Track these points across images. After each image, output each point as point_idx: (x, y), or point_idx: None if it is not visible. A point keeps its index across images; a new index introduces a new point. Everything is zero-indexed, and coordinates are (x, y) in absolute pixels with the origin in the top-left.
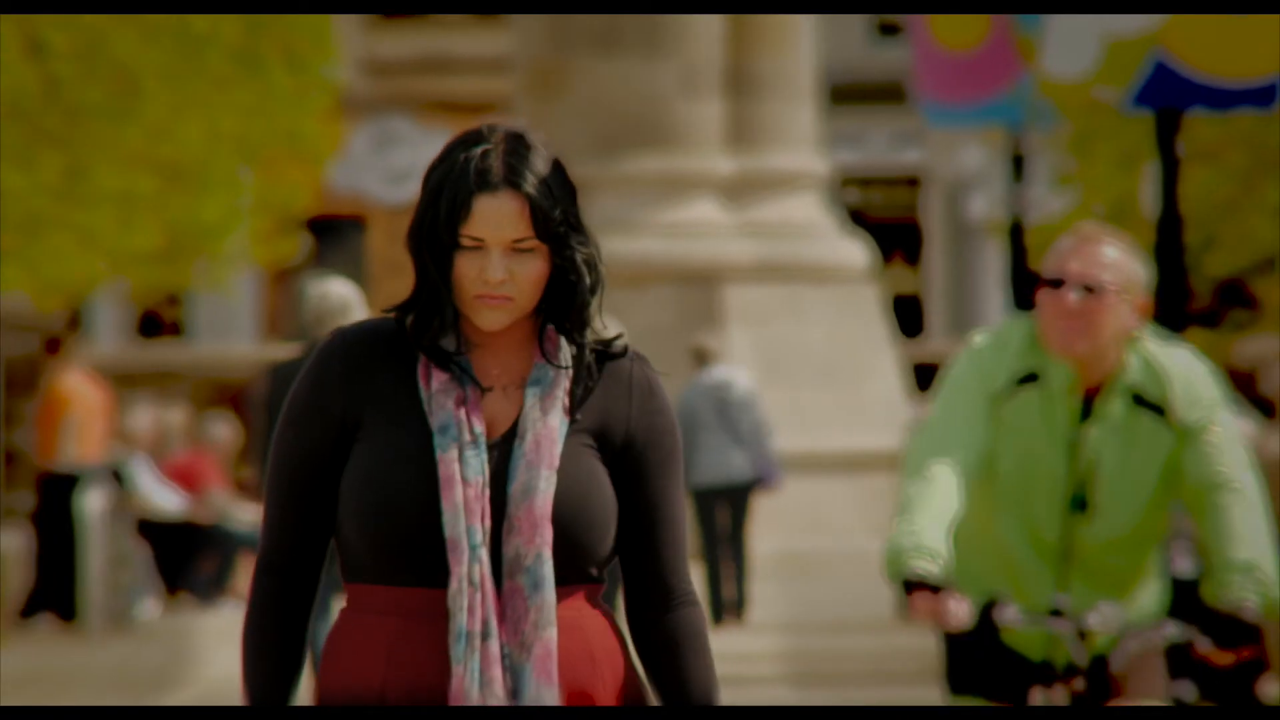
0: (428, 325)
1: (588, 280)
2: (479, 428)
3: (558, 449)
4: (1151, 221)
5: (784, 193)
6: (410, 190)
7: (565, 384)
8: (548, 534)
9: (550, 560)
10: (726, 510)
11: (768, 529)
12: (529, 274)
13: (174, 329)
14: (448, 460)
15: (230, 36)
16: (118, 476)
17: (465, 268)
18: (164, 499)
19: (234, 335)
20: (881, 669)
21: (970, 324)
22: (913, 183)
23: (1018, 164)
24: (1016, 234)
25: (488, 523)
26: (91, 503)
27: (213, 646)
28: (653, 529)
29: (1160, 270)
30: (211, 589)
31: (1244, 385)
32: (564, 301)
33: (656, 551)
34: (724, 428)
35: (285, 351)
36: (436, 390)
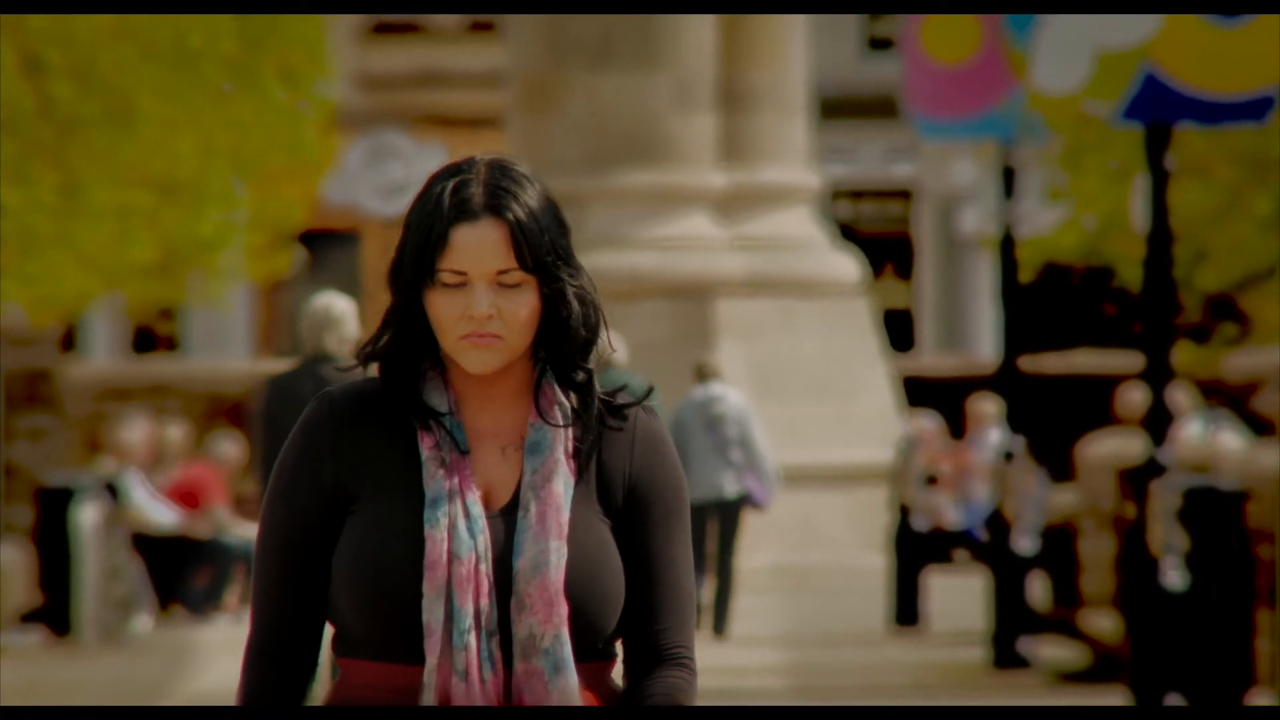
0: (409, 377)
1: (580, 315)
2: (472, 498)
3: (565, 517)
4: (1141, 235)
5: (776, 207)
6: (404, 204)
7: (566, 442)
8: (564, 611)
9: (569, 640)
10: (715, 526)
11: (761, 542)
12: (517, 310)
13: (168, 343)
14: (435, 538)
15: (225, 51)
16: (112, 490)
17: (448, 307)
18: (158, 513)
19: (228, 349)
20: (874, 682)
21: (961, 338)
22: (904, 196)
23: (1008, 178)
24: (1007, 248)
25: (483, 601)
26: (86, 517)
27: (206, 660)
28: (650, 590)
29: (1150, 284)
30: (205, 603)
31: (1235, 401)
32: (559, 344)
33: (652, 613)
34: (714, 444)
35: (280, 365)
36: (427, 457)
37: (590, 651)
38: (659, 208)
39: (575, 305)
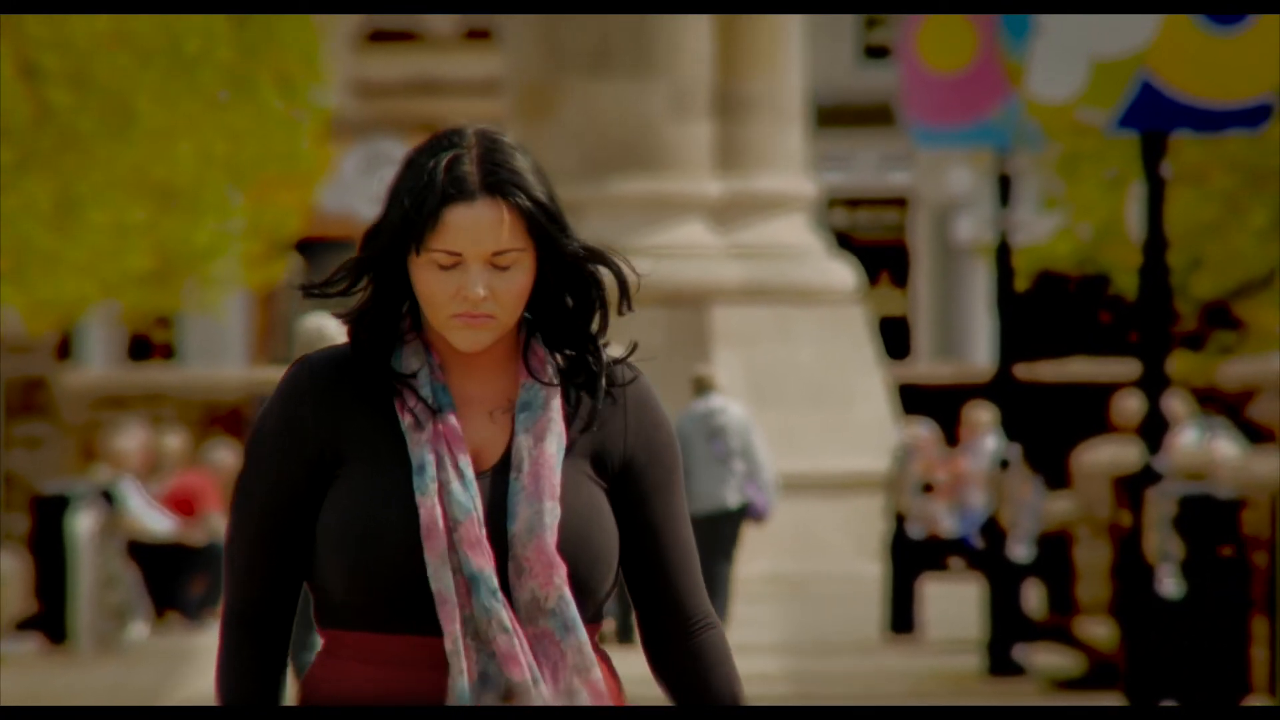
0: (388, 342)
1: (598, 279)
2: (464, 460)
3: (557, 477)
4: (1137, 243)
5: (772, 215)
6: None
7: (557, 403)
8: (564, 571)
9: (572, 599)
10: (715, 537)
11: (757, 551)
12: (511, 288)
13: (164, 351)
14: (428, 504)
15: (221, 59)
16: (108, 498)
17: (440, 285)
18: (154, 520)
19: (224, 357)
20: (870, 690)
21: (957, 346)
22: (900, 204)
23: (1004, 186)
24: (1003, 256)
25: (493, 563)
26: (81, 524)
27: (202, 667)
28: (662, 553)
29: (1146, 292)
30: (201, 610)
31: (1230, 408)
32: (561, 311)
33: (668, 576)
34: (716, 456)
35: (277, 374)
36: (409, 424)
37: (582, 614)
38: (655, 215)
39: (591, 271)
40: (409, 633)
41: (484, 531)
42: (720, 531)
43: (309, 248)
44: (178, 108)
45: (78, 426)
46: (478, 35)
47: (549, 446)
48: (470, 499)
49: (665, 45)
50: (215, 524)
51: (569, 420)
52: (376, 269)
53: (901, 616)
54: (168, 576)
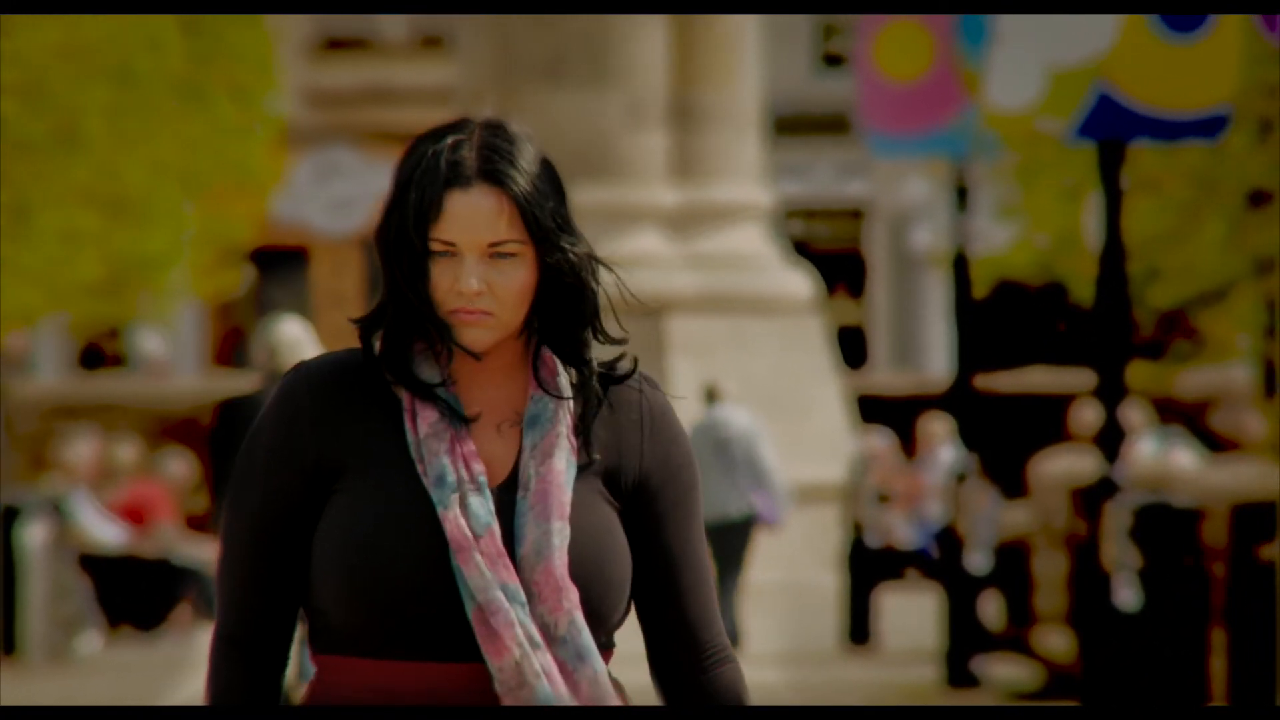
0: (402, 348)
1: (583, 286)
2: (480, 473)
3: (567, 496)
4: (1095, 253)
5: (728, 224)
6: (353, 221)
7: (568, 418)
8: (575, 595)
9: (585, 626)
10: (726, 546)
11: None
12: (510, 284)
13: (116, 361)
14: (450, 516)
15: (173, 69)
16: (58, 509)
17: (438, 278)
18: (105, 532)
19: (177, 367)
20: (827, 701)
21: (914, 356)
22: (857, 214)
23: (961, 195)
24: (960, 265)
25: (516, 578)
26: (32, 536)
27: (155, 680)
28: (676, 578)
29: (1103, 302)
30: (154, 622)
31: (1188, 418)
32: (559, 317)
33: (683, 603)
34: (721, 466)
35: (230, 382)
36: (427, 434)
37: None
38: (610, 225)
39: (578, 275)
40: (416, 658)
41: (504, 546)
42: (730, 540)
43: (262, 257)
44: (129, 119)
45: (28, 436)
46: (431, 43)
47: (557, 463)
48: (489, 513)
49: (620, 54)
50: (167, 534)
51: (580, 435)
52: (389, 269)
53: (859, 627)
54: (120, 588)
